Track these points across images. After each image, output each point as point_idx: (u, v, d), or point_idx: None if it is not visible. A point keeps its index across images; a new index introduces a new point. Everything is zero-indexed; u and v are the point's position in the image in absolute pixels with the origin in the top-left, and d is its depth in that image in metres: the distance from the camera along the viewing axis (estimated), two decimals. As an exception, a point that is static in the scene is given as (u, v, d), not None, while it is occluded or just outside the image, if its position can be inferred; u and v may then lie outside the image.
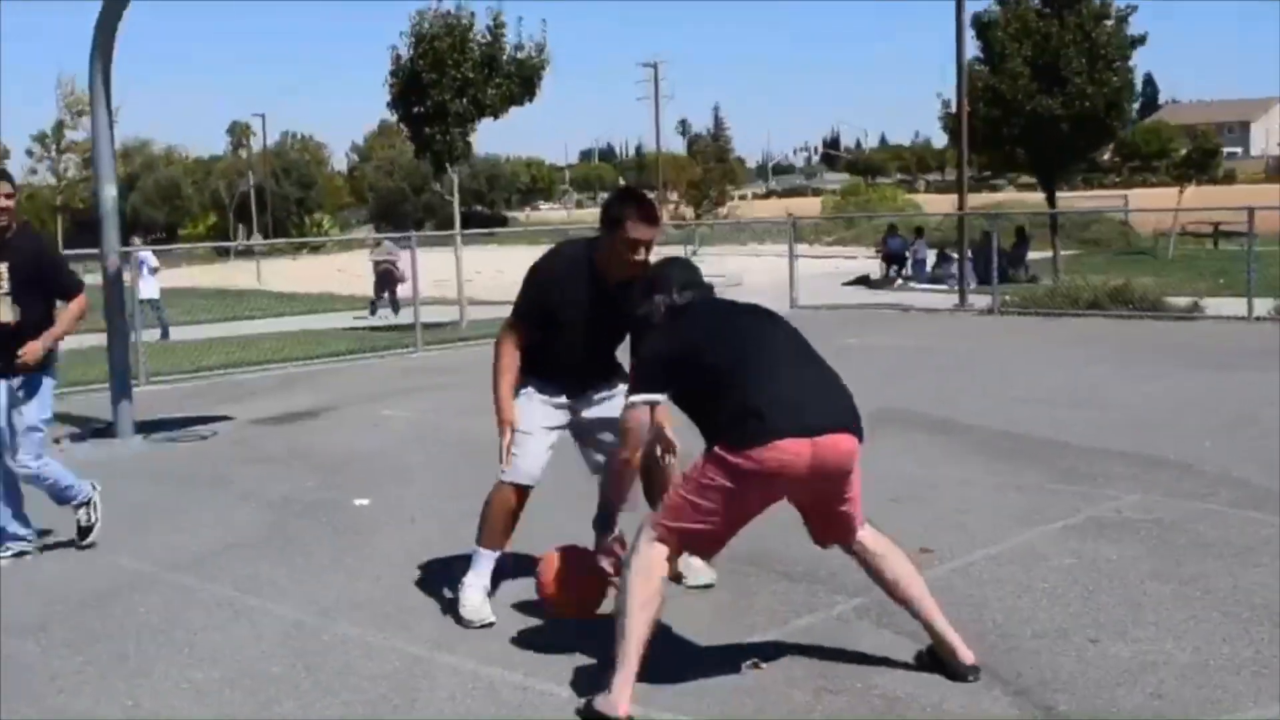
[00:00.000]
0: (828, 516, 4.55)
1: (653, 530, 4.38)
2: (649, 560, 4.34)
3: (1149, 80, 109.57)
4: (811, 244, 38.67)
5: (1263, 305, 16.09)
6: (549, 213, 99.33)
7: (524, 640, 5.08)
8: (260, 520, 7.38)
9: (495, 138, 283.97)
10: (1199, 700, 4.26)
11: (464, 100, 20.59)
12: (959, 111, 22.65)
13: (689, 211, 43.40)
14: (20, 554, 6.64)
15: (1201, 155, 45.41)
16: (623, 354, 5.20)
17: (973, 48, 25.25)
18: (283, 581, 6.09)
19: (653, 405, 4.49)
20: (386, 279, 25.64)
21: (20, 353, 6.37)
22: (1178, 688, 4.36)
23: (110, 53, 10.45)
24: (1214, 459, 7.88)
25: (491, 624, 5.24)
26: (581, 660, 4.75)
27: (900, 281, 28.18)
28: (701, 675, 4.59)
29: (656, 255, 5.20)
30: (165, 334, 21.27)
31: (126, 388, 10.59)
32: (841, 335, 15.25)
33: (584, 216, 71.57)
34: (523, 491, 5.30)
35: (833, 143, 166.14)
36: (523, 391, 5.32)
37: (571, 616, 4.98)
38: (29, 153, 77.86)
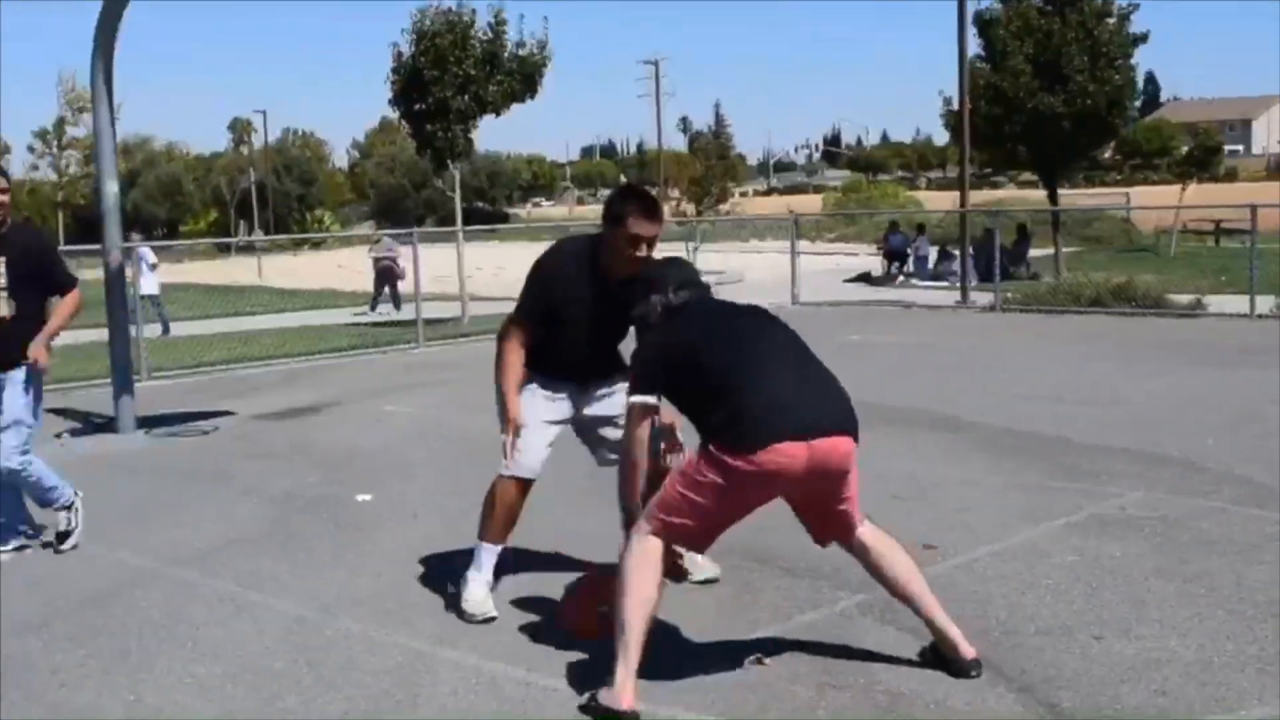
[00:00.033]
0: (825, 516, 4.54)
1: (647, 524, 4.39)
2: (644, 553, 4.34)
3: (1150, 78, 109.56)
4: (813, 241, 38.68)
5: (1265, 303, 16.07)
6: (550, 209, 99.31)
7: (526, 635, 5.08)
8: (262, 516, 7.37)
9: (496, 134, 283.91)
10: (1203, 698, 4.25)
11: (465, 97, 20.60)
12: (961, 109, 22.64)
13: (690, 208, 43.33)
14: (21, 548, 6.63)
15: (1203, 153, 45.52)
16: (626, 348, 5.19)
17: (974, 45, 25.26)
18: (285, 577, 6.09)
19: (654, 408, 4.50)
20: (386, 275, 25.65)
21: (29, 355, 6.35)
22: (1182, 685, 4.35)
23: (112, 50, 10.44)
24: (1217, 456, 7.87)
25: (493, 619, 5.23)
26: (583, 655, 4.74)
27: (902, 278, 28.19)
28: (704, 671, 4.59)
29: (659, 252, 5.19)
30: (166, 329, 21.27)
31: (128, 383, 10.59)
32: (843, 332, 15.26)
33: (585, 213, 71.59)
34: (524, 485, 5.30)
35: (834, 140, 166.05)
36: (525, 387, 5.31)
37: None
38: (30, 149, 77.95)
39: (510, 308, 5.43)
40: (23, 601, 5.83)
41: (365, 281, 26.90)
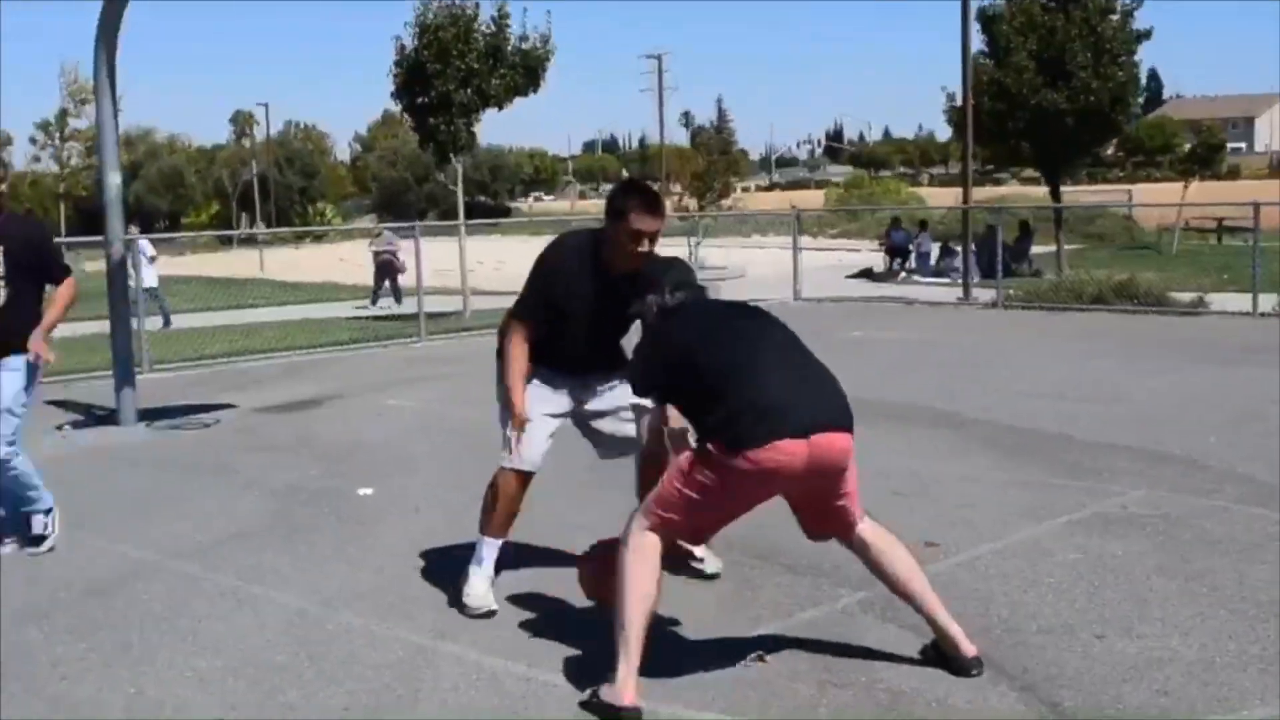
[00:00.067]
0: (823, 513, 4.54)
1: (645, 519, 4.39)
2: (642, 548, 4.34)
3: (1153, 75, 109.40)
4: (815, 237, 38.67)
5: (1267, 301, 16.04)
6: (551, 204, 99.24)
7: (526, 631, 5.07)
8: (264, 509, 7.36)
9: (499, 128, 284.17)
10: (1205, 697, 4.24)
11: (468, 90, 20.59)
12: (964, 105, 22.59)
13: (693, 203, 43.34)
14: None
15: (1206, 150, 45.53)
16: (629, 342, 5.19)
17: (978, 41, 25.21)
18: (286, 570, 6.09)
19: (662, 409, 4.51)
20: (386, 269, 25.64)
21: (30, 349, 6.34)
22: (1184, 684, 4.35)
23: (114, 43, 10.42)
24: (1219, 455, 7.86)
25: (494, 612, 5.24)
26: (584, 651, 4.74)
27: (904, 275, 28.18)
28: (705, 668, 4.58)
29: (662, 247, 5.19)
30: (167, 322, 21.26)
31: (130, 375, 10.58)
32: (845, 328, 15.26)
33: (587, 208, 71.56)
34: (525, 478, 5.30)
35: (836, 135, 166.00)
36: (527, 381, 5.31)
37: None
38: (32, 140, 78.12)
39: (512, 302, 5.42)
40: (23, 594, 5.82)
41: (366, 275, 26.90)
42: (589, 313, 5.19)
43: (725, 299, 4.84)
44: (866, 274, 28.24)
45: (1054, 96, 24.54)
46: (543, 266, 5.31)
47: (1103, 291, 17.68)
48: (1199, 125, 60.14)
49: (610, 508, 5.49)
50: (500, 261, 26.57)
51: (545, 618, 5.22)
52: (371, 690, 4.55)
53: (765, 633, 4.95)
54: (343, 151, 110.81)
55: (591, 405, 5.42)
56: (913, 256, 29.27)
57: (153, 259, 21.73)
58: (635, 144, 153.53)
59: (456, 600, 5.37)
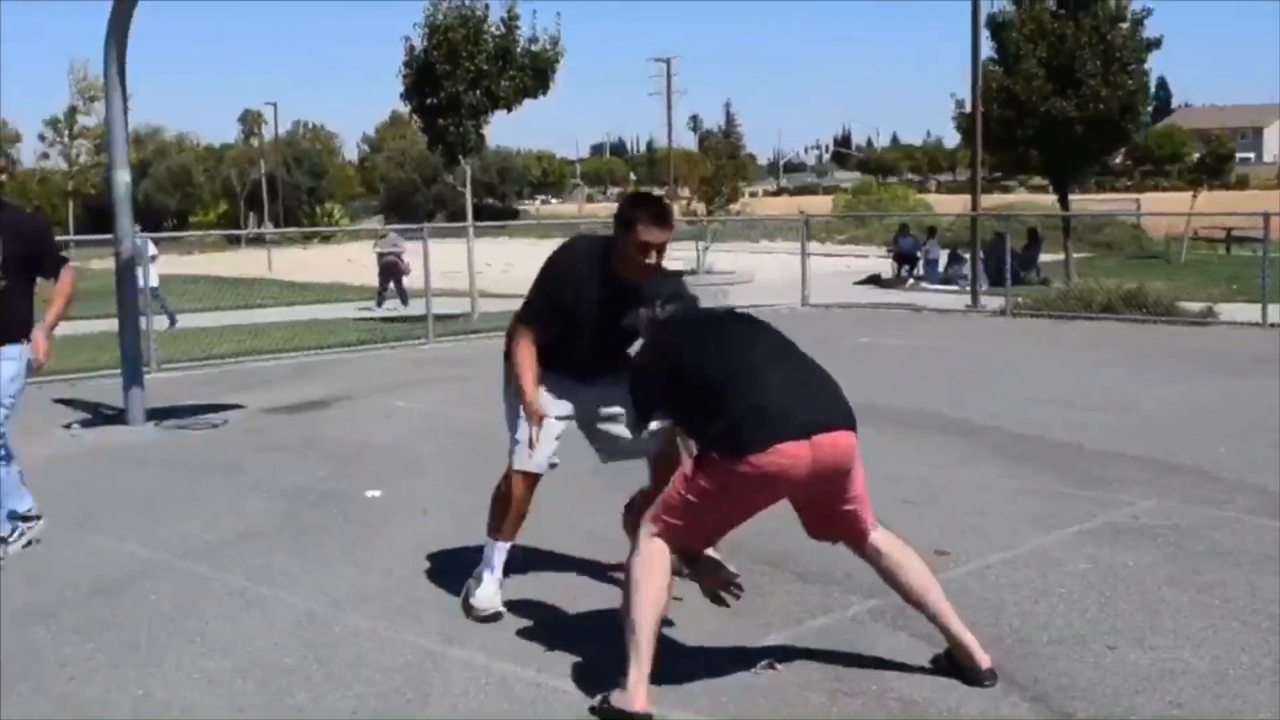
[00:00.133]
0: (830, 517, 4.53)
1: (652, 526, 4.37)
2: (651, 556, 4.33)
3: (1162, 84, 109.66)
4: (823, 242, 38.60)
5: (1277, 311, 15.98)
6: (558, 207, 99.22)
7: (536, 636, 5.05)
8: (272, 510, 7.35)
9: (507, 130, 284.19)
10: (1218, 710, 4.22)
11: (477, 92, 20.56)
12: (974, 112, 22.56)
13: (701, 208, 43.25)
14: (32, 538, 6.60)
15: (1215, 160, 45.30)
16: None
17: (987, 48, 25.20)
18: (294, 572, 6.07)
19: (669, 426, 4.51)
20: (391, 271, 25.60)
21: (34, 345, 6.33)
22: (1197, 696, 4.32)
23: (125, 41, 10.43)
24: (1229, 465, 7.84)
25: (501, 614, 5.23)
26: (593, 657, 4.72)
27: (912, 281, 28.13)
28: (715, 675, 4.57)
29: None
30: (172, 321, 21.24)
31: (138, 374, 10.59)
32: (853, 334, 15.26)
33: (595, 210, 71.54)
34: (532, 480, 5.29)
35: (844, 141, 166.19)
36: (534, 383, 5.30)
37: None
38: (41, 137, 78.23)
39: (519, 304, 5.40)
40: (30, 593, 5.82)
41: (373, 276, 26.88)
42: (596, 319, 5.18)
43: (717, 307, 4.81)
44: (874, 280, 28.19)
45: (1063, 104, 24.50)
46: (551, 270, 5.30)
47: (1112, 300, 17.65)
48: (1208, 134, 59.95)
49: (617, 511, 5.47)
50: (508, 263, 26.54)
51: (554, 622, 5.21)
52: (380, 694, 4.53)
53: (776, 641, 4.93)
54: (351, 152, 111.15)
55: (596, 408, 5.40)
56: (921, 263, 29.22)
57: (154, 258, 21.70)
58: (643, 148, 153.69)
59: (464, 603, 5.36)
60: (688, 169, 54.67)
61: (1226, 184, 56.88)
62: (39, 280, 6.64)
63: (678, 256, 18.05)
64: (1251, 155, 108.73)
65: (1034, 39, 25.07)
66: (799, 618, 5.24)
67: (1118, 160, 58.29)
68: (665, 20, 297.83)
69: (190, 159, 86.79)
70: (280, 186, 75.86)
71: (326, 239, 55.94)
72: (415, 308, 21.36)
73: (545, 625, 5.17)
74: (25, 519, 6.57)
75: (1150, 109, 30.45)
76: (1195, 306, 17.39)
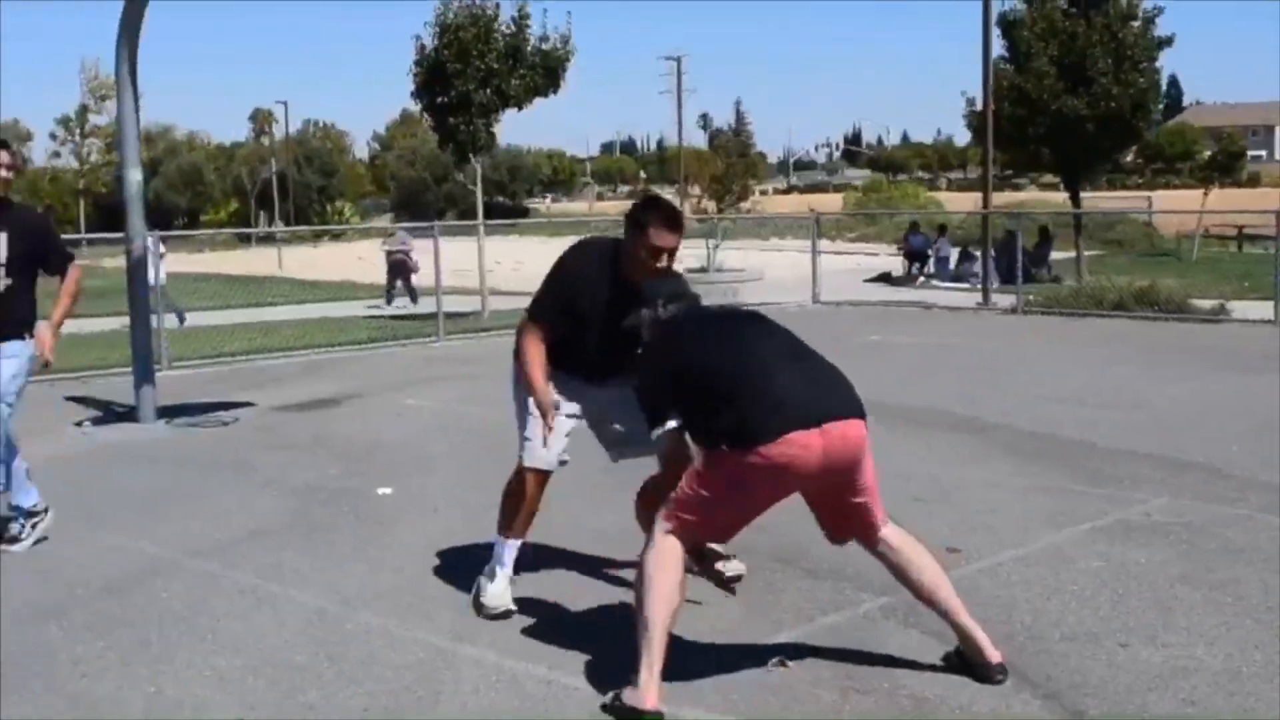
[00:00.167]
0: (841, 510, 4.51)
1: (665, 523, 4.37)
2: (663, 553, 4.33)
3: (1174, 82, 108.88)
4: (833, 240, 38.56)
5: (1289, 309, 15.95)
6: (568, 205, 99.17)
7: (546, 633, 5.05)
8: (283, 507, 7.36)
9: (517, 129, 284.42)
10: (1231, 708, 4.21)
11: (488, 90, 20.55)
12: (985, 110, 22.51)
13: (711, 206, 43.23)
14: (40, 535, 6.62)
15: (1226, 157, 45.15)
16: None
17: (998, 46, 25.12)
18: (305, 569, 6.08)
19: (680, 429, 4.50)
20: (399, 269, 25.60)
21: (39, 342, 6.34)
22: (1210, 695, 4.31)
23: (136, 40, 10.45)
24: (1242, 463, 7.81)
25: (511, 612, 5.23)
26: (604, 654, 4.72)
27: (922, 279, 28.07)
28: (727, 672, 4.56)
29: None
30: (181, 319, 21.24)
31: (149, 372, 10.60)
32: (864, 332, 15.24)
33: (606, 209, 71.51)
34: (543, 477, 5.29)
35: (854, 139, 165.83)
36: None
37: None
38: (52, 136, 78.47)
39: (530, 302, 5.40)
40: (42, 590, 5.83)
41: (383, 274, 26.89)
42: (605, 321, 5.16)
43: (720, 304, 4.80)
44: (885, 278, 28.12)
45: (1074, 102, 24.43)
46: (561, 270, 5.30)
47: (1123, 298, 17.61)
48: (1219, 132, 59.77)
49: (627, 509, 5.46)
50: (519, 261, 26.56)
51: (565, 620, 5.21)
52: (391, 691, 4.53)
53: (788, 638, 4.93)
54: (361, 150, 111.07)
55: (606, 409, 5.40)
56: (931, 261, 29.16)
57: (161, 256, 21.69)
58: (653, 146, 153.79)
59: (475, 600, 5.36)
60: (698, 167, 54.67)
61: (1238, 181, 56.79)
62: (46, 278, 6.66)
63: (689, 254, 18.01)
64: (1263, 153, 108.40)
65: (1045, 37, 25.00)
66: (810, 615, 5.23)
67: (1129, 158, 58.22)
68: (675, 19, 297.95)
69: (201, 158, 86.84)
70: (291, 185, 75.86)
71: (337, 237, 56.06)
72: (425, 305, 21.38)
73: (556, 623, 5.17)
74: (32, 514, 6.58)
75: (1161, 107, 30.34)
76: (1207, 304, 17.35)
